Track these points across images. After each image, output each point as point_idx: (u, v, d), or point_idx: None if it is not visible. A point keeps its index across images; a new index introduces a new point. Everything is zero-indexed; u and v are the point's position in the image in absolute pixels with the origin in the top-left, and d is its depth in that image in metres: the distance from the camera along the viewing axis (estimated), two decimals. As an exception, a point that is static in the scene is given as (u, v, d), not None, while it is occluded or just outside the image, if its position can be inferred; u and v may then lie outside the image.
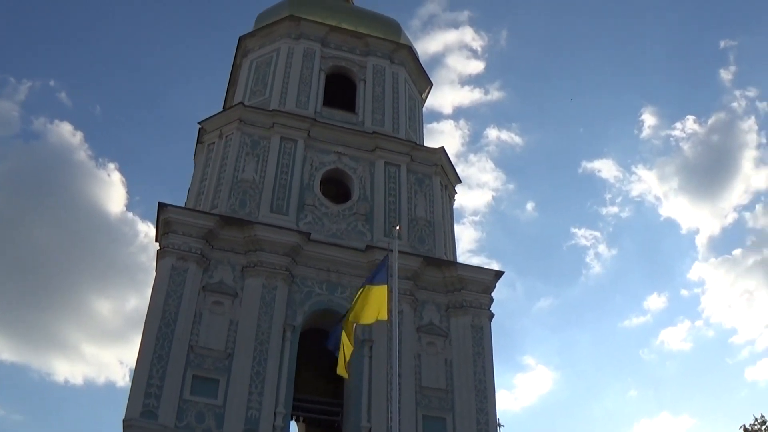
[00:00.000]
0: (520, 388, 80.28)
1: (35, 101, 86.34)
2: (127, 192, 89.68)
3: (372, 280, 17.21)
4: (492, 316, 25.80)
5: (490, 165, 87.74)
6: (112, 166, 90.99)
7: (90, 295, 77.64)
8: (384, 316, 16.63)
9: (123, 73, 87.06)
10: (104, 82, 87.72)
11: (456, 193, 31.34)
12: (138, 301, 77.90)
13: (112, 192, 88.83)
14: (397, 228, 19.87)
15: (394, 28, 35.82)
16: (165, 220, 24.44)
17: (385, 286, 16.81)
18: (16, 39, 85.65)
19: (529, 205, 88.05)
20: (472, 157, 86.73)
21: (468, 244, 78.44)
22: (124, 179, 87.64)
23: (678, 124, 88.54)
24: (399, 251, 25.21)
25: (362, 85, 32.26)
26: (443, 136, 79.94)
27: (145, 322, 22.59)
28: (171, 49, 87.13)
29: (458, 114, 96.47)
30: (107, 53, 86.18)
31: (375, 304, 16.61)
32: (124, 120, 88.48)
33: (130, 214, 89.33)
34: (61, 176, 76.28)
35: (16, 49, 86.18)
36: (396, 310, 16.73)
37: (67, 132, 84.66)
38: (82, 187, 78.77)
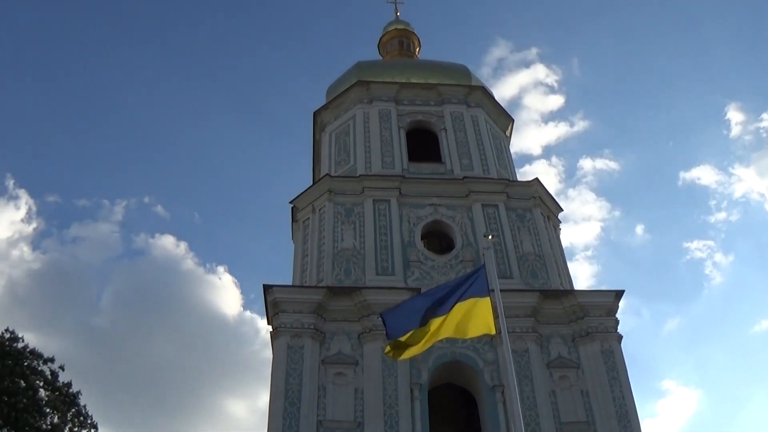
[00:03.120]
0: (664, 415, 77.61)
1: (133, 219, 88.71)
2: (241, 292, 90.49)
3: (464, 296, 15.91)
4: (620, 338, 24.62)
5: (591, 196, 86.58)
6: (221, 269, 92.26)
7: (221, 397, 78.24)
8: (492, 329, 15.58)
9: (213, 176, 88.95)
10: (197, 189, 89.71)
11: (560, 222, 30.44)
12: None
13: (226, 294, 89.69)
14: (490, 237, 18.96)
15: (463, 72, 35.56)
16: (273, 301, 24.27)
17: (488, 298, 15.78)
18: (103, 162, 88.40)
19: (639, 228, 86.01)
20: (571, 191, 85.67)
21: (586, 281, 77.04)
22: (235, 280, 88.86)
23: (765, 115, 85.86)
24: (513, 289, 24.84)
25: (443, 134, 31.90)
26: (539, 177, 78.57)
27: (269, 405, 22.21)
28: (253, 144, 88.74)
29: (548, 152, 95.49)
30: (194, 161, 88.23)
31: (479, 317, 15.56)
32: (224, 222, 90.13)
33: (248, 313, 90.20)
34: (172, 287, 78.00)
35: (106, 171, 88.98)
36: (505, 327, 15.63)
37: (170, 244, 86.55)
38: (195, 295, 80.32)
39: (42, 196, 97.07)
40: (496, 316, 15.13)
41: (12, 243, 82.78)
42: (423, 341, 15.47)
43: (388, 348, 16.08)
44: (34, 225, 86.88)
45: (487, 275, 15.85)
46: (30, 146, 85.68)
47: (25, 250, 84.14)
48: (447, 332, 15.47)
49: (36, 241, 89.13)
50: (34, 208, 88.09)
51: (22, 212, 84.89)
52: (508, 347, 15.46)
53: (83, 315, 79.29)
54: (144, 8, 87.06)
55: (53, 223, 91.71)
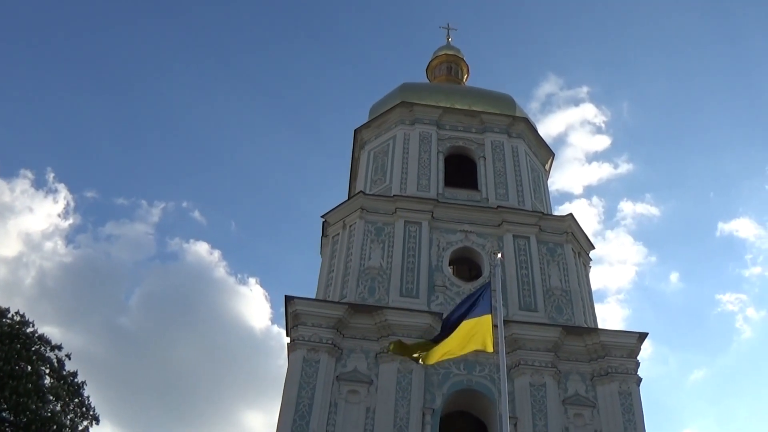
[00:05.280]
0: (682, 465, 76.00)
1: (169, 222, 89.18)
2: (271, 306, 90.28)
3: (470, 314, 15.97)
4: (640, 380, 24.23)
5: (629, 239, 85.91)
6: (252, 281, 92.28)
7: (239, 408, 77.89)
8: (489, 347, 15.53)
9: (253, 187, 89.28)
10: (236, 198, 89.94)
11: (591, 259, 30.10)
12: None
13: (255, 306, 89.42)
14: (499, 256, 18.80)
15: (508, 102, 35.42)
16: (293, 313, 24.24)
17: (488, 316, 15.73)
18: (145, 163, 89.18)
19: (673, 276, 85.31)
20: (609, 233, 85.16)
21: (616, 324, 75.76)
22: (266, 293, 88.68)
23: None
24: (537, 323, 24.77)
25: (482, 161, 31.78)
26: (577, 217, 78.11)
27: (279, 415, 22.14)
28: (296, 158, 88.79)
29: (589, 192, 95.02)
30: (235, 170, 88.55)
31: (478, 334, 15.52)
32: (259, 234, 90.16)
33: (275, 327, 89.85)
34: (202, 295, 78.05)
35: (147, 172, 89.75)
36: (503, 344, 15.59)
37: (204, 251, 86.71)
38: (224, 304, 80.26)
39: (80, 191, 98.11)
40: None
41: (47, 235, 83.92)
42: (434, 355, 15.54)
43: (392, 345, 16.21)
44: (70, 220, 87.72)
45: (491, 294, 15.87)
46: (72, 142, 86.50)
47: (59, 243, 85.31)
48: (453, 352, 15.53)
49: (70, 236, 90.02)
50: (72, 204, 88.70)
51: (59, 206, 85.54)
52: (504, 362, 15.63)
53: (110, 313, 79.93)
54: (200, 27, 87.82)
55: (89, 218, 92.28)
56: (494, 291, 16.51)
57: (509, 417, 22.42)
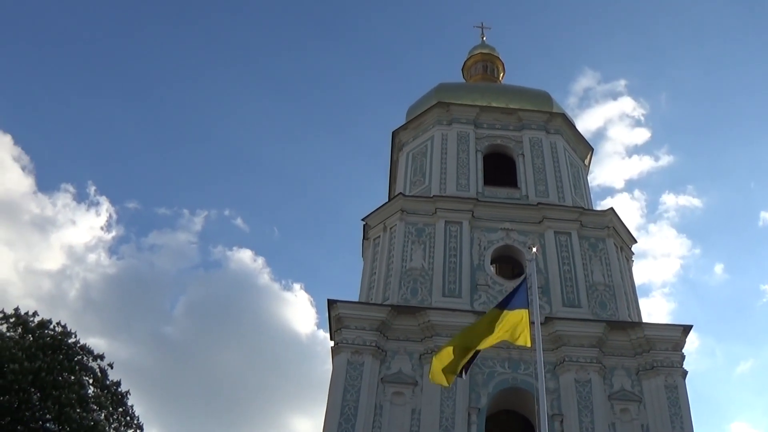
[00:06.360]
0: (731, 457, 74.97)
1: (212, 230, 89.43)
2: (316, 311, 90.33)
3: (506, 305, 15.94)
4: (685, 373, 24.04)
5: (672, 232, 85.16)
6: (297, 286, 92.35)
7: (286, 414, 78.26)
8: (528, 342, 15.49)
9: (294, 193, 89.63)
10: (278, 204, 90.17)
11: (633, 253, 29.91)
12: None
13: (301, 312, 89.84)
14: (534, 250, 18.76)
15: (545, 98, 35.27)
16: (336, 316, 24.43)
17: (525, 310, 15.69)
18: (185, 172, 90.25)
19: (718, 268, 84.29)
20: (652, 227, 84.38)
21: (662, 317, 74.86)
22: (311, 298, 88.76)
23: None
24: (580, 319, 24.58)
25: (521, 159, 31.71)
26: (619, 211, 77.47)
27: (324, 419, 22.34)
28: (336, 162, 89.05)
29: (631, 186, 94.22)
30: (276, 176, 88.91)
31: (518, 329, 15.48)
32: (303, 239, 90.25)
33: (321, 332, 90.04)
34: (247, 302, 78.25)
35: (188, 181, 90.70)
36: (540, 345, 15.58)
37: (247, 258, 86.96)
38: (269, 311, 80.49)
39: (122, 203, 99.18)
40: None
41: (90, 248, 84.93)
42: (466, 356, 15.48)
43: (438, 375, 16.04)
44: (113, 232, 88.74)
45: (527, 287, 15.84)
46: (112, 154, 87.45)
47: (103, 255, 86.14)
48: (487, 342, 15.44)
49: (114, 247, 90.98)
50: (114, 216, 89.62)
51: (102, 219, 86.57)
52: (541, 358, 15.54)
53: (155, 322, 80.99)
54: (234, 32, 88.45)
55: (132, 229, 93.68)
56: (530, 287, 16.36)
57: (555, 414, 22.66)
